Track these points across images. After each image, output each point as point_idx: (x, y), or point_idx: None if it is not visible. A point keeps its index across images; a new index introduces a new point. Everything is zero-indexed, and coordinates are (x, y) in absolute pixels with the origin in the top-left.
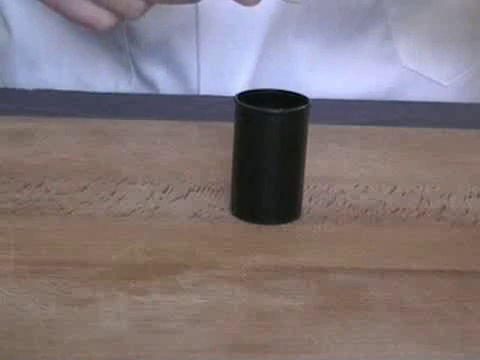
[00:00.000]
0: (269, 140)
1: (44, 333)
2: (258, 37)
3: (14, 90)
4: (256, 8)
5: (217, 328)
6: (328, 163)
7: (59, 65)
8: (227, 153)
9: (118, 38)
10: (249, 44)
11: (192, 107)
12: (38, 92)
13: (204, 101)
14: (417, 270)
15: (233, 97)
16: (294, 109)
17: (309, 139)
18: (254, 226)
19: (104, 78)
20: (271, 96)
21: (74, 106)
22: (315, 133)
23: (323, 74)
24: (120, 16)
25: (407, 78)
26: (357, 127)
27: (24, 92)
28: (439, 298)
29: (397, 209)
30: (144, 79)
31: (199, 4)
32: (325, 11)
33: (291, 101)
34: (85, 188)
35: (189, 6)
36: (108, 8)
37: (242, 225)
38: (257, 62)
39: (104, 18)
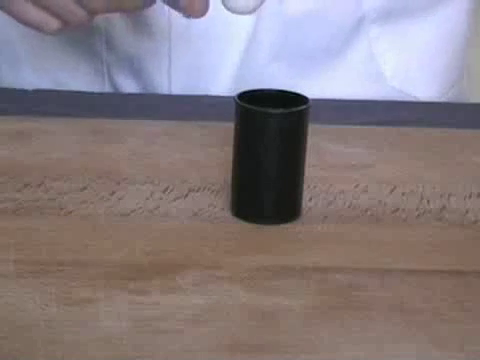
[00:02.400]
0: (269, 140)
1: (44, 333)
2: (232, 59)
3: (14, 90)
4: (231, 30)
5: (217, 328)
6: (328, 163)
7: (37, 68)
8: (227, 153)
9: (96, 46)
10: (223, 66)
11: (192, 107)
12: (38, 92)
13: (204, 101)
14: (417, 270)
15: (233, 97)
16: (294, 109)
17: (309, 139)
18: (254, 226)
19: (79, 83)
20: (271, 96)
21: (74, 106)
22: (315, 133)
23: (305, 92)
24: (65, 22)
25: (394, 97)
26: (357, 127)
27: (24, 92)
28: (439, 298)
29: (397, 209)
30: (115, 89)
31: (172, 25)
32: (303, 33)
33: (291, 101)
34: (85, 188)
35: (162, 26)
36: (53, 14)
37: (242, 225)
38: (231, 84)
39: (50, 22)
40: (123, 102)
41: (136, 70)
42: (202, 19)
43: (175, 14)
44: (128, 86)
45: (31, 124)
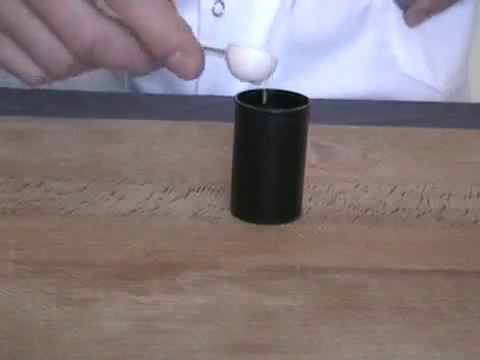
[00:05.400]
0: (269, 140)
1: (44, 333)
2: None
3: (14, 90)
4: (250, 29)
5: (217, 328)
6: (328, 163)
7: None
8: (227, 153)
9: None
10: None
11: (192, 107)
12: (38, 92)
13: (204, 101)
14: (417, 270)
15: (233, 97)
16: (294, 109)
17: (309, 139)
18: (254, 226)
19: (97, 89)
20: (271, 96)
21: (74, 106)
22: (315, 133)
23: (318, 82)
24: (46, 71)
25: (405, 84)
26: (357, 127)
27: (24, 92)
28: (439, 298)
29: (397, 209)
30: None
31: (201, 25)
32: (316, 22)
33: (291, 101)
34: (85, 188)
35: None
36: (34, 59)
37: (242, 225)
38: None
39: (30, 69)
40: (123, 102)
41: (159, 71)
42: (225, 17)
43: (203, 13)
44: (150, 88)
45: (31, 124)
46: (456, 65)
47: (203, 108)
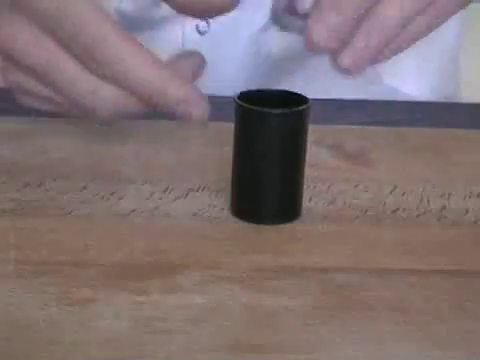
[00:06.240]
0: (269, 140)
1: (44, 333)
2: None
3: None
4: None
5: (217, 328)
6: (328, 163)
7: None
8: (227, 153)
9: None
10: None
11: None
12: None
13: None
14: (417, 270)
15: (233, 97)
16: (294, 109)
17: (309, 139)
18: (254, 226)
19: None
20: (271, 96)
21: None
22: (315, 133)
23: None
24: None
25: (389, 95)
26: (357, 127)
27: None
28: (439, 298)
29: (397, 209)
30: None
31: (186, 39)
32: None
33: (291, 101)
34: (85, 188)
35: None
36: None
37: (242, 225)
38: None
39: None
40: None
41: None
42: (209, 35)
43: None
44: None
45: (31, 124)
46: (445, 75)
47: None
